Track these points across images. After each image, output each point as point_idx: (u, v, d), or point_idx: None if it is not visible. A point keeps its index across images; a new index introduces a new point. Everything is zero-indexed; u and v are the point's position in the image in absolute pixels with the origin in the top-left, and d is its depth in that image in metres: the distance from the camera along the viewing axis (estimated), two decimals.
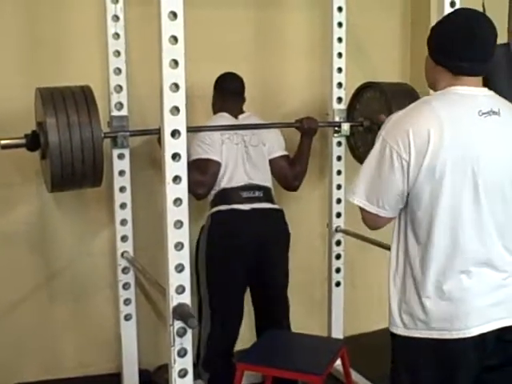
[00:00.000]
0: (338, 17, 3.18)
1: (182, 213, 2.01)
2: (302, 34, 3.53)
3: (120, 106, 2.80)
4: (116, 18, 2.77)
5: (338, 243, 3.32)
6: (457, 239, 1.69)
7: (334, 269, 3.32)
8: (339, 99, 3.24)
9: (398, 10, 3.81)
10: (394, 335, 1.79)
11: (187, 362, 2.06)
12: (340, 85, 3.23)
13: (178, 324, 2.01)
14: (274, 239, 2.93)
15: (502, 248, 1.74)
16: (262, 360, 2.54)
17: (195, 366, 2.20)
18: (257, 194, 2.90)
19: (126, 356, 2.98)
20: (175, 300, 2.02)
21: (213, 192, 2.89)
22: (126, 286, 2.92)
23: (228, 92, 3.05)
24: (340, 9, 3.18)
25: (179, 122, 1.97)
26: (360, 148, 3.33)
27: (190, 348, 2.06)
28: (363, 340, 3.71)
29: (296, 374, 2.52)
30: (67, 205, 3.12)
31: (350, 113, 3.30)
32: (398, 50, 3.85)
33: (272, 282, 2.98)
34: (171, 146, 1.97)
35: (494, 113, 1.71)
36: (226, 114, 3.00)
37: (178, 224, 2.01)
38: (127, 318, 2.94)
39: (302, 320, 3.33)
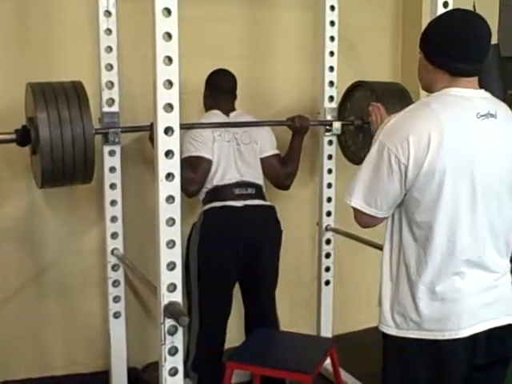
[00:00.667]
0: (330, 15, 3.18)
1: (174, 210, 2.00)
2: (294, 32, 3.52)
3: (111, 102, 2.77)
4: (108, 13, 2.74)
5: (328, 242, 3.32)
6: (453, 242, 1.69)
7: (323, 267, 3.32)
8: (331, 98, 3.24)
9: (389, 9, 3.82)
10: (385, 335, 1.79)
11: (178, 361, 2.05)
12: (332, 83, 3.23)
13: (169, 322, 2.00)
14: (267, 236, 2.93)
15: (495, 250, 1.75)
16: (251, 359, 2.54)
17: (184, 364, 2.19)
18: (249, 190, 2.89)
19: (114, 354, 2.95)
20: (166, 298, 2.01)
21: (204, 190, 2.89)
22: (115, 284, 2.90)
23: (220, 89, 3.04)
24: (332, 7, 3.18)
25: (173, 119, 1.96)
26: (351, 147, 3.33)
27: (180, 346, 2.05)
28: (351, 339, 3.72)
29: (286, 373, 2.52)
30: (57, 201, 3.09)
31: (341, 112, 3.30)
32: (389, 50, 3.86)
33: (262, 279, 2.98)
34: (164, 143, 1.96)
35: (491, 115, 1.71)
36: (217, 112, 3.00)
37: (171, 221, 2.00)
38: (116, 315, 2.92)
39: (290, 318, 3.34)
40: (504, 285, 1.78)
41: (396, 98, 3.11)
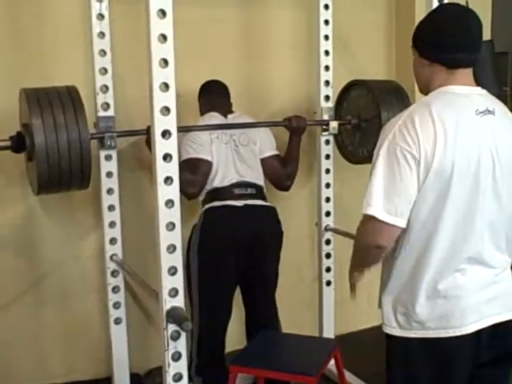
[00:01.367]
0: (324, 14, 3.17)
1: (174, 214, 1.98)
2: (289, 31, 3.51)
3: (106, 106, 2.75)
4: (101, 16, 2.73)
5: (328, 242, 3.31)
6: (456, 239, 1.68)
7: (324, 268, 3.30)
8: (327, 97, 3.23)
9: (382, 7, 3.81)
10: (388, 336, 1.78)
11: (182, 366, 2.04)
12: (327, 83, 3.22)
13: (172, 327, 1.98)
14: (267, 237, 2.92)
15: (493, 246, 1.74)
16: (255, 362, 2.52)
17: (188, 368, 2.18)
18: (249, 190, 2.88)
19: (116, 360, 2.94)
20: (168, 303, 1.99)
21: (204, 191, 2.88)
22: (115, 290, 2.88)
23: (214, 92, 3.05)
24: (326, 6, 3.18)
25: (170, 123, 1.94)
26: (348, 146, 3.32)
27: (184, 352, 2.04)
28: (353, 339, 3.71)
29: (290, 376, 2.50)
30: (54, 208, 3.07)
31: (338, 111, 3.29)
32: (383, 48, 3.85)
33: (262, 280, 2.97)
34: (162, 146, 1.95)
35: (490, 112, 1.71)
36: (215, 114, 2.99)
37: (170, 226, 1.98)
38: (117, 321, 2.90)
39: (292, 320, 3.32)
40: (504, 280, 1.78)
41: (392, 96, 3.10)
